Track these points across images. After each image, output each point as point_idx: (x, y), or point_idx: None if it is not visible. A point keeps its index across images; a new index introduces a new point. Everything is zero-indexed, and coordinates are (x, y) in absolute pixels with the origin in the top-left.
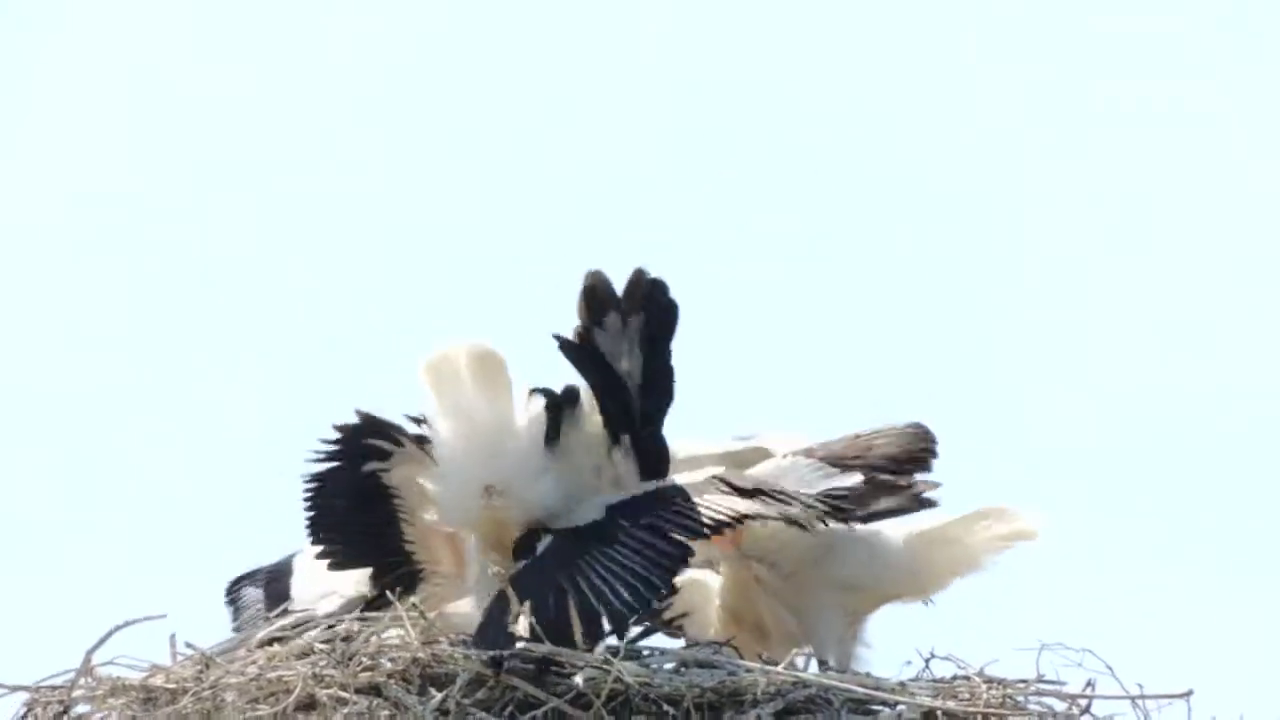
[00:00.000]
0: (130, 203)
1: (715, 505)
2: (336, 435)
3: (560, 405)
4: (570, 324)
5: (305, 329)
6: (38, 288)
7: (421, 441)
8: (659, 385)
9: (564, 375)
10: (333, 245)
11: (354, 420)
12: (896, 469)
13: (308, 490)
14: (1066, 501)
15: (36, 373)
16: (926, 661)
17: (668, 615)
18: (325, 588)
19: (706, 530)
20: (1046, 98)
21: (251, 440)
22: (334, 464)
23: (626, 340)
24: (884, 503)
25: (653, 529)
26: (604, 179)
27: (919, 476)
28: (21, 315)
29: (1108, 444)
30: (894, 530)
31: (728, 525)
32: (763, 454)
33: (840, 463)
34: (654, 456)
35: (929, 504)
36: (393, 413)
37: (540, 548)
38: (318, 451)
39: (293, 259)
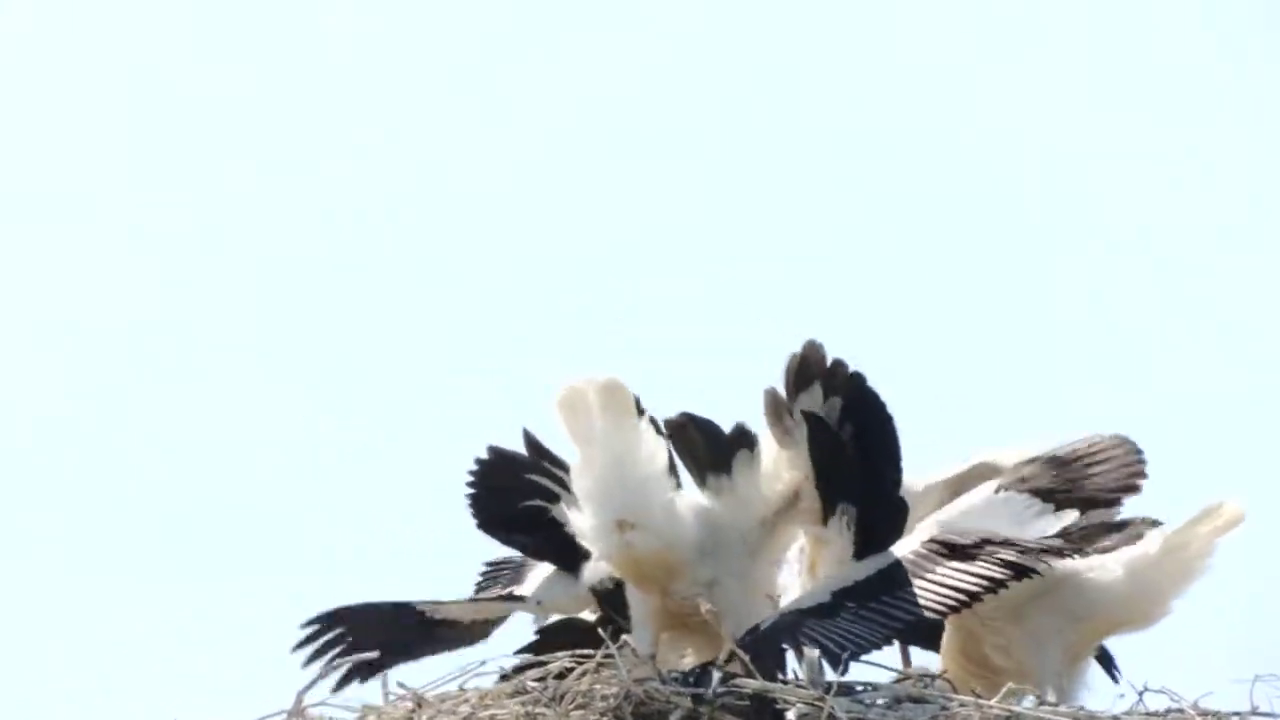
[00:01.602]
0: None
1: (940, 585)
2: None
3: (734, 444)
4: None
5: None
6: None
7: None
8: (886, 463)
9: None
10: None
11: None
12: (1110, 500)
13: (482, 522)
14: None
15: (219, 392)
16: (1140, 694)
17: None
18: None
19: (932, 616)
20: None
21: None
22: (512, 505)
23: (825, 413)
24: (1105, 542)
25: (878, 611)
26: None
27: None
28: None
29: None
30: (1114, 560)
31: (953, 609)
32: (989, 470)
33: (1053, 497)
34: (881, 533)
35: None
36: None
37: (762, 626)
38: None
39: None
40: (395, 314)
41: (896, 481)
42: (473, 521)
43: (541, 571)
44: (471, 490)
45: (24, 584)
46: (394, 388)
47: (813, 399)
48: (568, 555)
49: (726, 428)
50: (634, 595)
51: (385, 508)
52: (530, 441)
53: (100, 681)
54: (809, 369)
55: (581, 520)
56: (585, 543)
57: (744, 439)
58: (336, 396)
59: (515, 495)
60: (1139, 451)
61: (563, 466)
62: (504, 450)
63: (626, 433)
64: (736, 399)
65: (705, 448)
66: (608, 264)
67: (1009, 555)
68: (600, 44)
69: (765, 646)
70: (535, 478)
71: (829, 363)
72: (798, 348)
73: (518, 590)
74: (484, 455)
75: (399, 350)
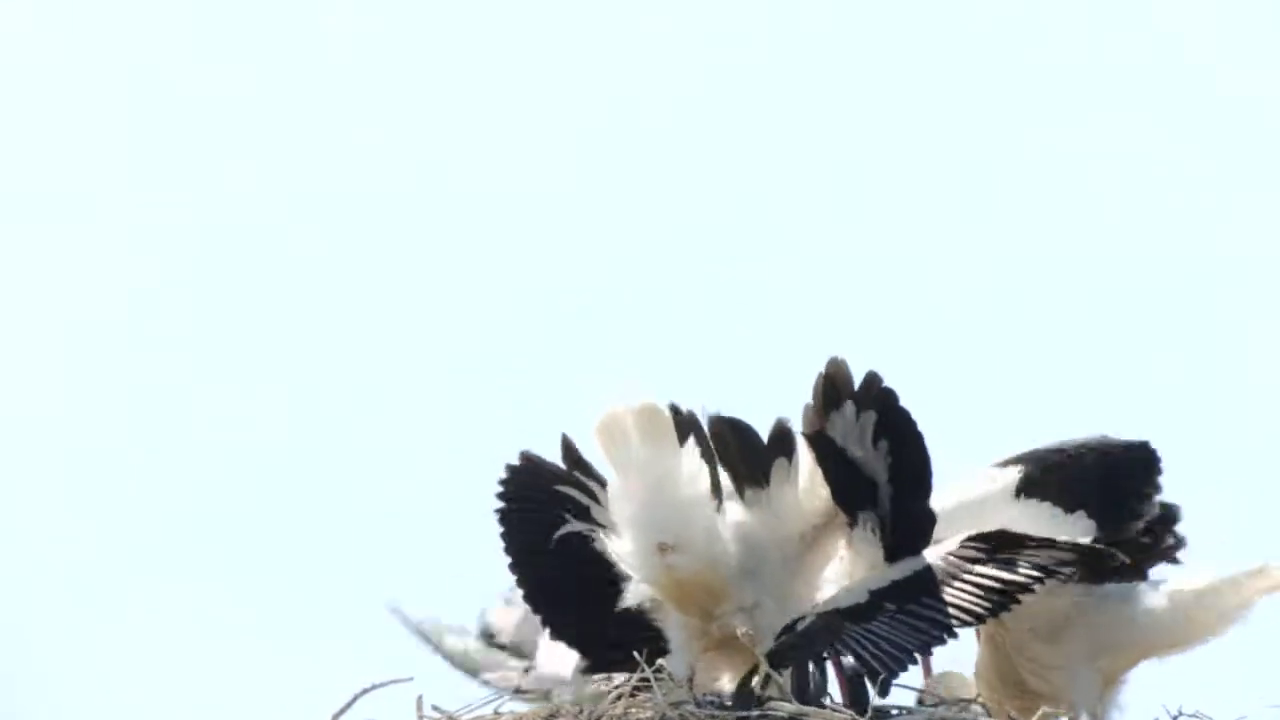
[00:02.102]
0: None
1: (980, 585)
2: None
3: (770, 453)
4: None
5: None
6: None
7: None
8: (915, 474)
9: None
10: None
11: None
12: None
13: (512, 554)
14: None
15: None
16: (1174, 719)
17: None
18: (569, 660)
19: (972, 620)
20: None
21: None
22: (532, 525)
23: (859, 430)
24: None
25: (916, 614)
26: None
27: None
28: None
29: None
30: (1157, 590)
31: (993, 611)
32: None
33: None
34: (910, 538)
35: (1176, 562)
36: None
37: (799, 625)
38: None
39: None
40: (417, 317)
41: (928, 491)
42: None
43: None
44: (501, 497)
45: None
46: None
47: (844, 417)
48: (587, 593)
49: (766, 430)
50: (672, 618)
51: (421, 510)
52: (568, 448)
53: (127, 712)
54: (837, 388)
55: (621, 545)
56: (625, 567)
57: (781, 446)
58: (359, 395)
59: (545, 507)
60: (1157, 461)
61: (597, 479)
62: (536, 458)
63: (666, 456)
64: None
65: (741, 457)
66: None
67: (1049, 554)
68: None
69: (801, 652)
70: (566, 489)
71: (863, 378)
72: (822, 368)
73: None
74: (515, 462)
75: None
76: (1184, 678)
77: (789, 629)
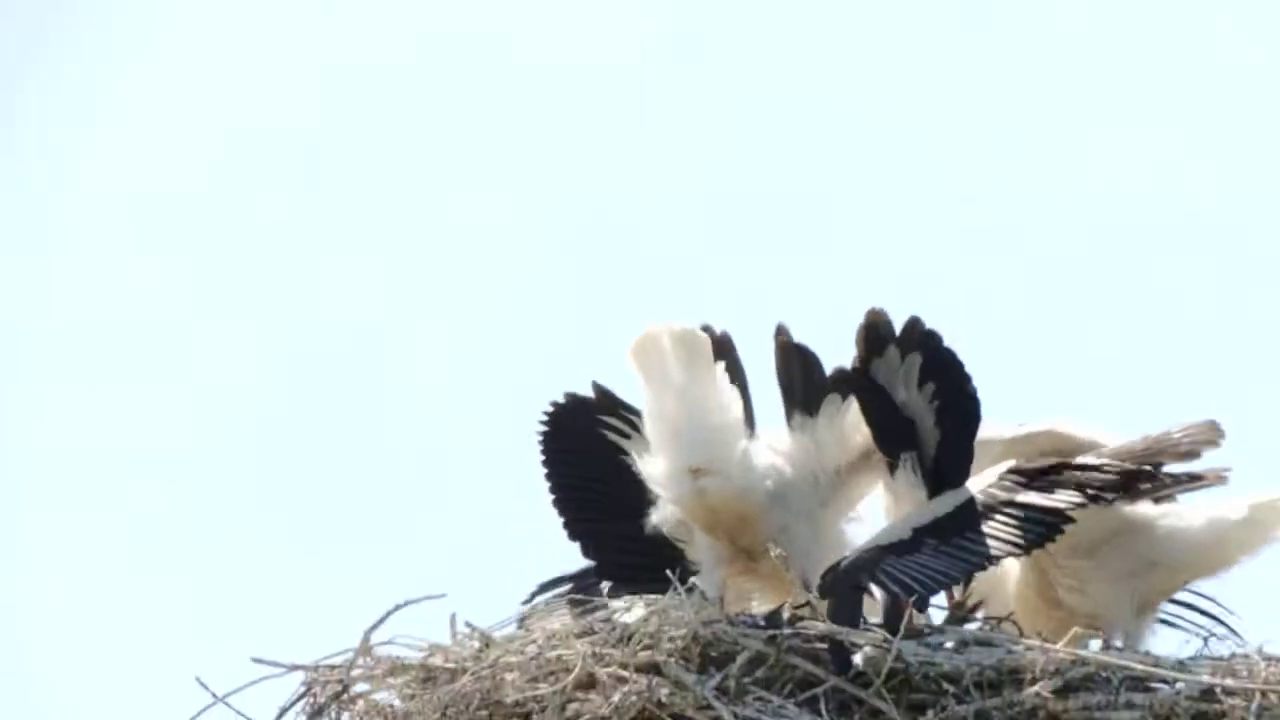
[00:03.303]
0: None
1: (1022, 514)
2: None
3: (827, 389)
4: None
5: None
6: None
7: None
8: (963, 412)
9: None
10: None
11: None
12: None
13: (555, 478)
14: None
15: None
16: (1205, 640)
17: (969, 603)
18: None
19: (1014, 550)
20: None
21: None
22: (575, 451)
23: (903, 373)
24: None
25: (958, 546)
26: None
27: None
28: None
29: None
30: (1193, 511)
31: (1036, 541)
32: (1056, 439)
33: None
34: (952, 474)
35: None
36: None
37: (843, 562)
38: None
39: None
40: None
41: (975, 430)
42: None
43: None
44: (544, 431)
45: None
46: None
47: (889, 362)
48: (627, 513)
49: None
50: (702, 540)
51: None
52: (600, 391)
53: (173, 619)
54: (878, 333)
55: (653, 465)
56: (655, 487)
57: (840, 387)
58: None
59: (588, 440)
60: (1222, 432)
61: (635, 413)
62: (579, 395)
63: (702, 379)
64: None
65: (800, 382)
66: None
67: (1091, 476)
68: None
69: (843, 584)
70: (609, 419)
71: (905, 322)
72: (862, 319)
73: None
74: (559, 399)
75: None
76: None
77: (833, 567)
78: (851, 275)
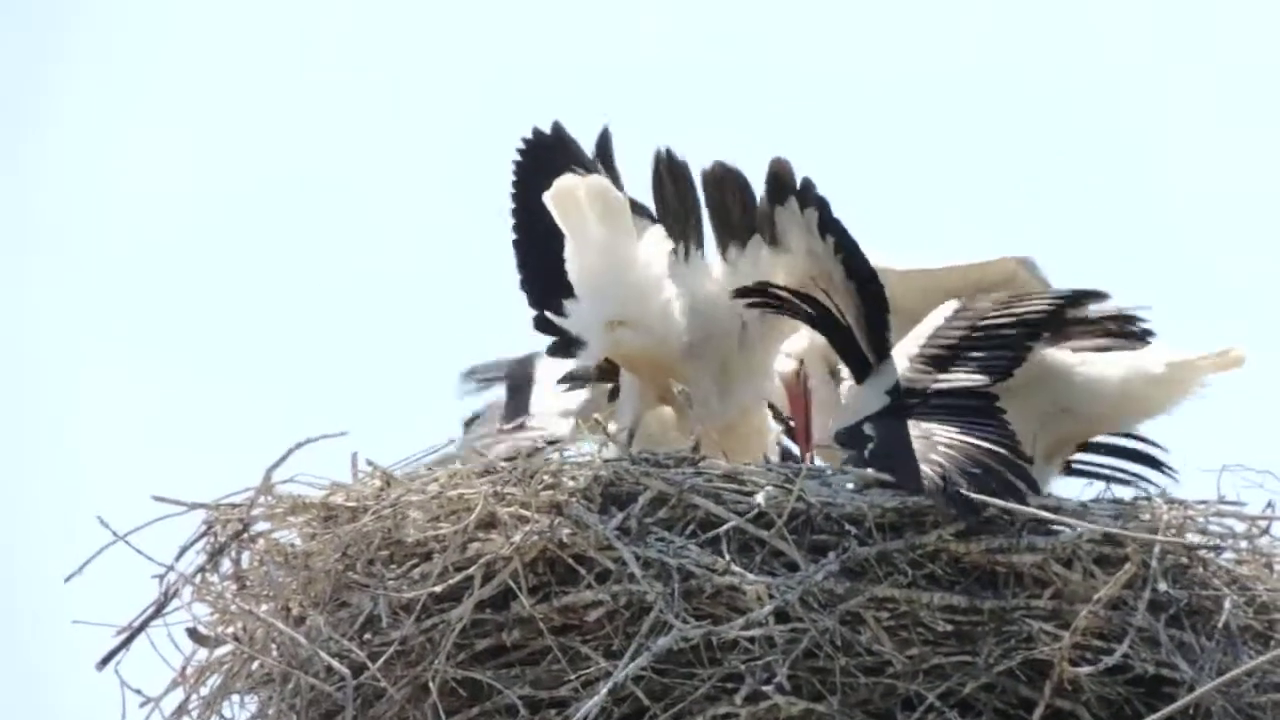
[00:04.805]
0: None
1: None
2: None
3: (754, 225)
4: None
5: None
6: None
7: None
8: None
9: None
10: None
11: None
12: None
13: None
14: (1245, 324)
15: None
16: (1108, 484)
17: None
18: (564, 405)
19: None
20: None
21: (432, 260)
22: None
23: (805, 222)
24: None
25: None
26: None
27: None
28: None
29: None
30: (1113, 362)
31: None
32: (1008, 271)
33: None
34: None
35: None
36: None
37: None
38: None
39: None
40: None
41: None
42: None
43: (556, 388)
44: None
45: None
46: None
47: (790, 210)
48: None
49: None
50: (625, 374)
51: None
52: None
53: (72, 459)
54: (782, 183)
55: (577, 313)
56: (577, 333)
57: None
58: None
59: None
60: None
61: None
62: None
63: (621, 237)
64: None
65: (729, 215)
66: None
67: (1026, 308)
68: None
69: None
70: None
71: (802, 181)
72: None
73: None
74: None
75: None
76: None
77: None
78: None
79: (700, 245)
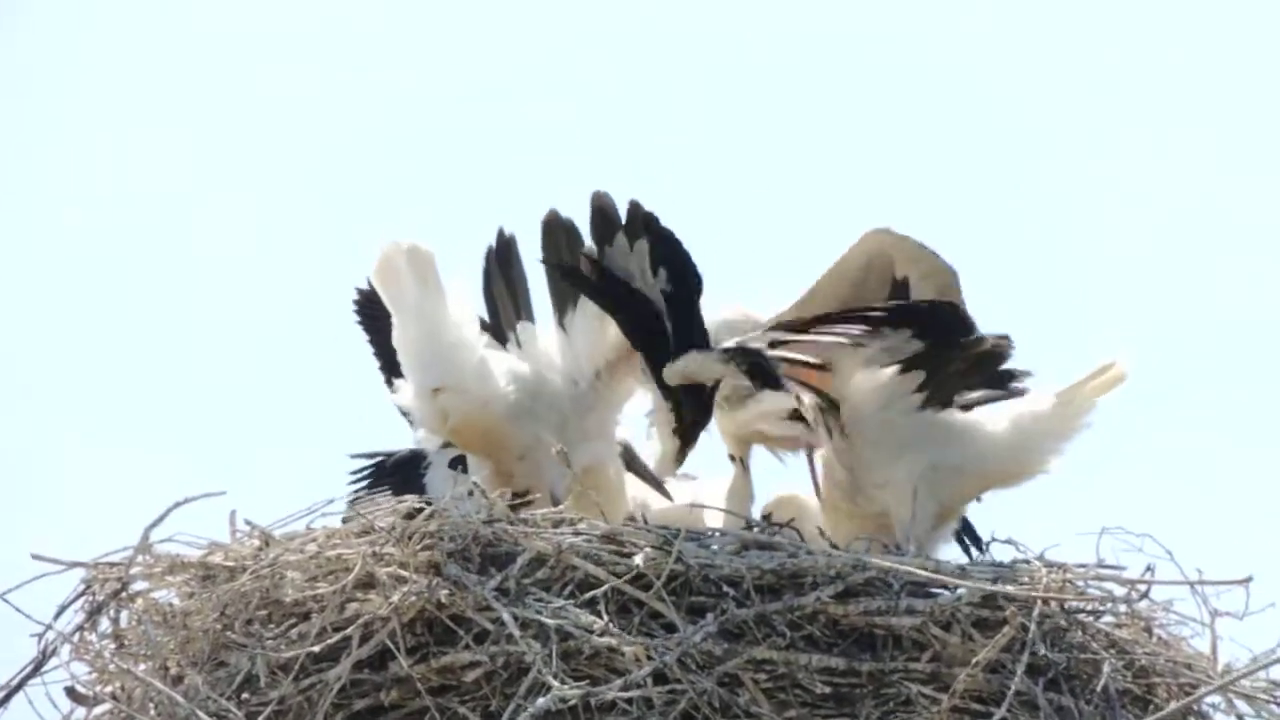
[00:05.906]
0: None
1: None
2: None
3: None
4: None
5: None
6: None
7: None
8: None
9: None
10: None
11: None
12: None
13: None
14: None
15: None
16: (986, 545)
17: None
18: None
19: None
20: None
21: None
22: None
23: (636, 259)
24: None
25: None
26: None
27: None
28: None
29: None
30: (999, 413)
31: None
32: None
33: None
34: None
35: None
36: None
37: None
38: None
39: None
40: None
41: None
42: None
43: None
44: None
45: None
46: None
47: (620, 249)
48: None
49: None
50: (470, 459)
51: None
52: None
53: None
54: (606, 218)
55: (404, 391)
56: (409, 413)
57: (575, 280)
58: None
59: None
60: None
61: None
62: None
63: (432, 297)
64: None
65: (558, 277)
66: None
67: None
68: None
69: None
70: None
71: (628, 206)
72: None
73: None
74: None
75: None
76: (998, 507)
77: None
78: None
79: (528, 309)
